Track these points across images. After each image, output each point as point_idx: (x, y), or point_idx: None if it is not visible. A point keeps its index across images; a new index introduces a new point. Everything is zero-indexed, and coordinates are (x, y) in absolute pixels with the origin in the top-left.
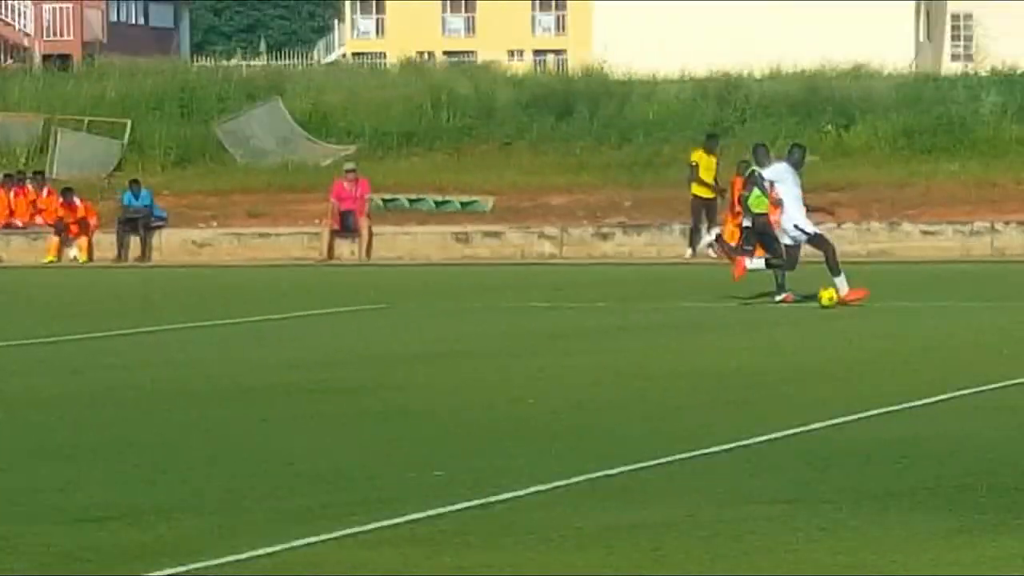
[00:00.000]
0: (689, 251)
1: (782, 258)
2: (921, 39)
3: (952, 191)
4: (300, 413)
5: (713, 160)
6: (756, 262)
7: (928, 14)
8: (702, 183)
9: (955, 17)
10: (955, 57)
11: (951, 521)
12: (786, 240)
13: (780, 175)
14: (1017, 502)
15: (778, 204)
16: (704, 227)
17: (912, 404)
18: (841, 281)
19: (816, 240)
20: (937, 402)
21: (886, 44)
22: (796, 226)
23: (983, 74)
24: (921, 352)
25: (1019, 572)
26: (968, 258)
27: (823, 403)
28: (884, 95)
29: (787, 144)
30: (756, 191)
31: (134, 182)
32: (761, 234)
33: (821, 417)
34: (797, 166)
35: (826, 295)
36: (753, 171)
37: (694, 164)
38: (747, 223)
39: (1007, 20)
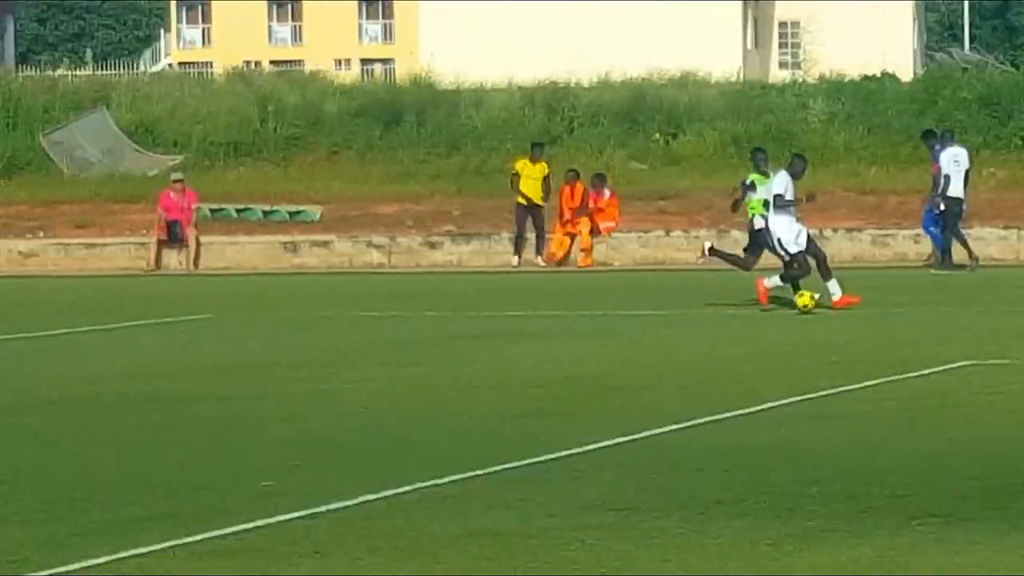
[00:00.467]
0: (516, 259)
1: (796, 267)
2: (749, 47)
3: None
4: (127, 424)
5: (539, 168)
6: (772, 280)
7: (756, 22)
8: (521, 192)
9: (782, 25)
10: (783, 65)
11: (779, 528)
12: (792, 248)
13: (787, 187)
14: (844, 509)
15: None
16: (532, 235)
17: (740, 412)
18: (834, 285)
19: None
20: (765, 410)
21: (714, 52)
22: (780, 241)
23: (811, 82)
24: (748, 360)
25: None
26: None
27: (652, 412)
28: (712, 103)
29: (615, 153)
30: (755, 197)
31: None
32: (763, 242)
33: (650, 426)
34: (796, 177)
35: (801, 300)
36: (750, 179)
37: (515, 172)
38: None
39: (834, 28)
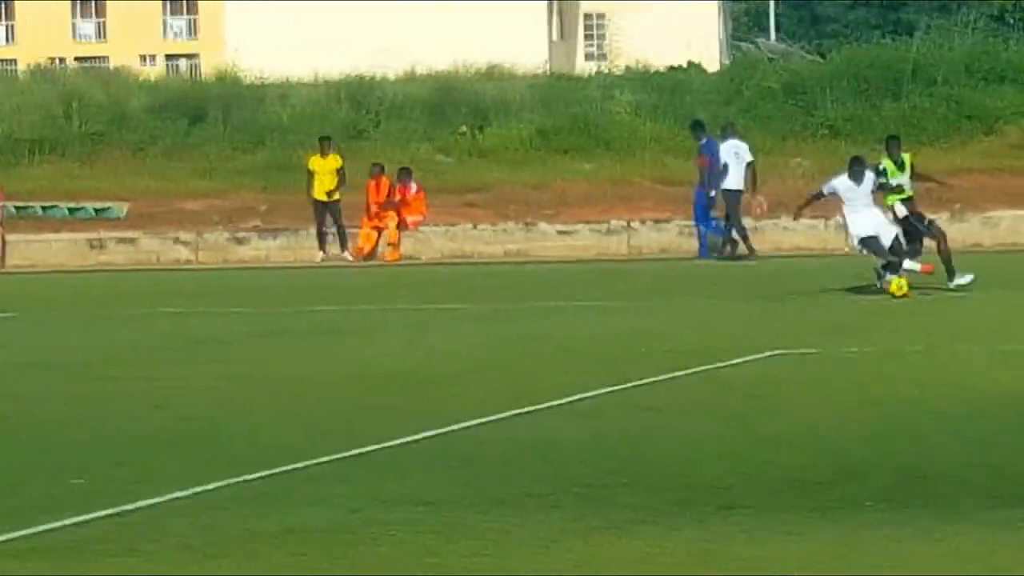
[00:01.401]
0: (320, 254)
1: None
2: (555, 39)
3: (587, 191)
4: None
5: (331, 162)
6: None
7: (561, 14)
8: (315, 188)
9: (588, 16)
10: (589, 56)
11: (591, 520)
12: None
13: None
14: (656, 500)
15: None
16: (334, 231)
17: (552, 404)
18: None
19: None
20: (576, 401)
21: (519, 44)
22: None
23: (617, 73)
24: (559, 352)
25: (658, 571)
26: (605, 257)
27: (463, 405)
28: (518, 96)
29: (421, 146)
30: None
31: None
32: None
33: (462, 419)
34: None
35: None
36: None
37: (309, 171)
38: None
39: (640, 19)
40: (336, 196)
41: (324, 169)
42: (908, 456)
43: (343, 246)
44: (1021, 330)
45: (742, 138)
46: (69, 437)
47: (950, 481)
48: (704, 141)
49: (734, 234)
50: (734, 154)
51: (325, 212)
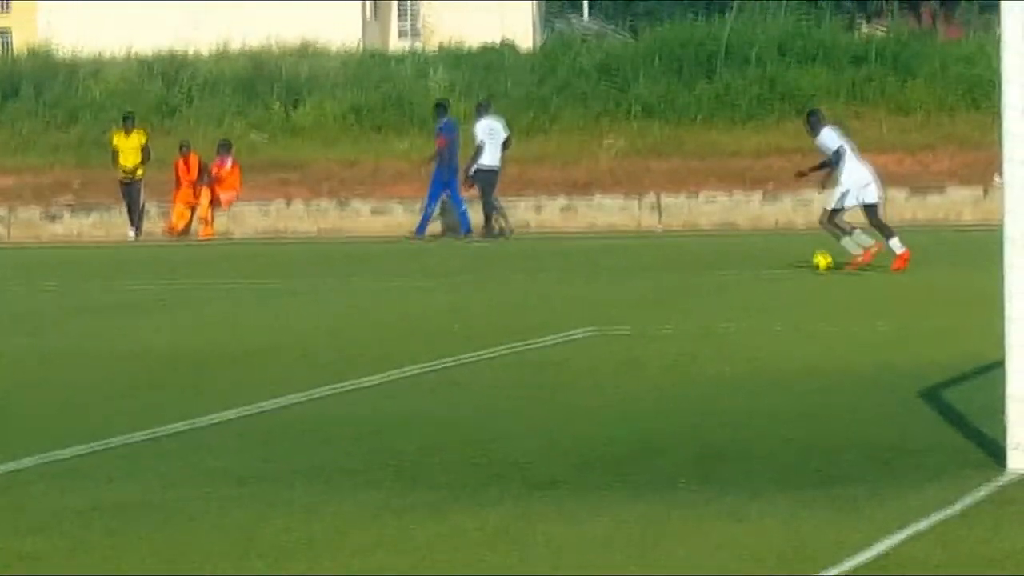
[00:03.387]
0: (132, 232)
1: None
2: (368, 17)
3: (402, 168)
4: None
5: (134, 138)
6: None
7: None
8: (120, 165)
9: None
10: (402, 34)
11: (404, 497)
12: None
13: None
14: (469, 478)
15: None
16: (140, 210)
17: (364, 382)
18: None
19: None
20: (389, 380)
21: (333, 22)
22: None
23: (431, 52)
24: (372, 330)
25: (470, 549)
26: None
27: (275, 382)
28: (332, 73)
29: (235, 123)
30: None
31: None
32: None
33: (272, 395)
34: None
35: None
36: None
37: (113, 148)
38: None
39: None
40: (139, 174)
41: (127, 146)
42: (716, 433)
43: (135, 224)
44: (825, 309)
45: (497, 116)
46: None
47: (756, 457)
48: (444, 121)
49: (493, 212)
50: (488, 132)
51: (129, 189)
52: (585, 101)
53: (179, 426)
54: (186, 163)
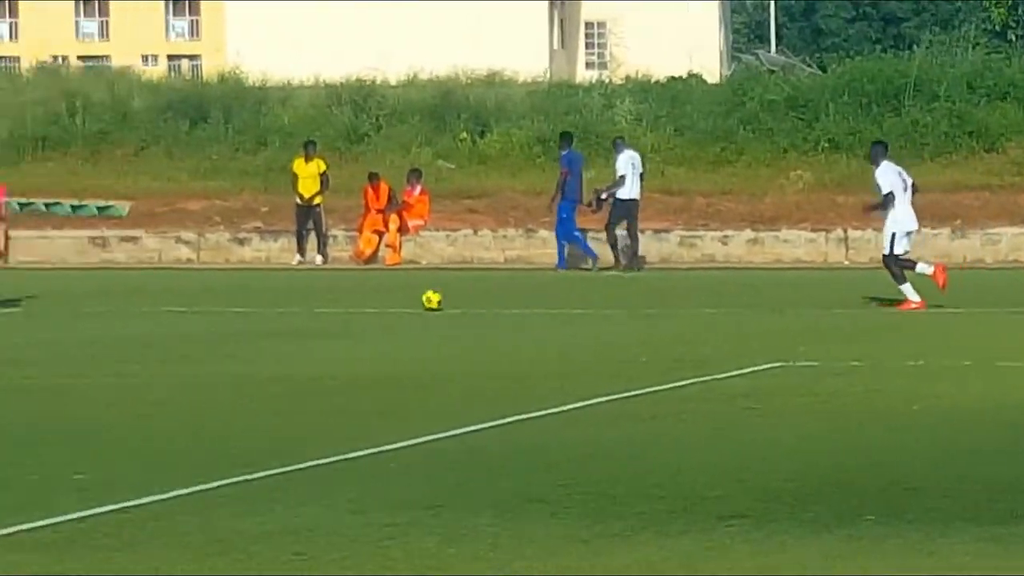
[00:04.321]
0: (297, 257)
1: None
2: (555, 47)
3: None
4: None
5: (313, 166)
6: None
7: (562, 22)
8: (298, 192)
9: (589, 25)
10: (589, 65)
11: (590, 528)
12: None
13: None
14: (654, 509)
15: None
16: (307, 233)
17: (552, 411)
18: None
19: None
20: (575, 409)
21: (520, 52)
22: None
23: (618, 82)
24: (557, 360)
25: None
26: (604, 264)
27: (463, 410)
28: (519, 102)
29: (422, 151)
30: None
31: None
32: None
33: (461, 424)
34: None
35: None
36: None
37: (294, 174)
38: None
39: (640, 29)
40: (318, 200)
41: (306, 173)
42: (903, 469)
43: (320, 250)
44: (1016, 347)
45: (635, 149)
46: (69, 432)
47: (944, 493)
48: (564, 153)
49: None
50: (631, 165)
51: (307, 216)
52: (772, 134)
53: (367, 452)
54: (375, 191)
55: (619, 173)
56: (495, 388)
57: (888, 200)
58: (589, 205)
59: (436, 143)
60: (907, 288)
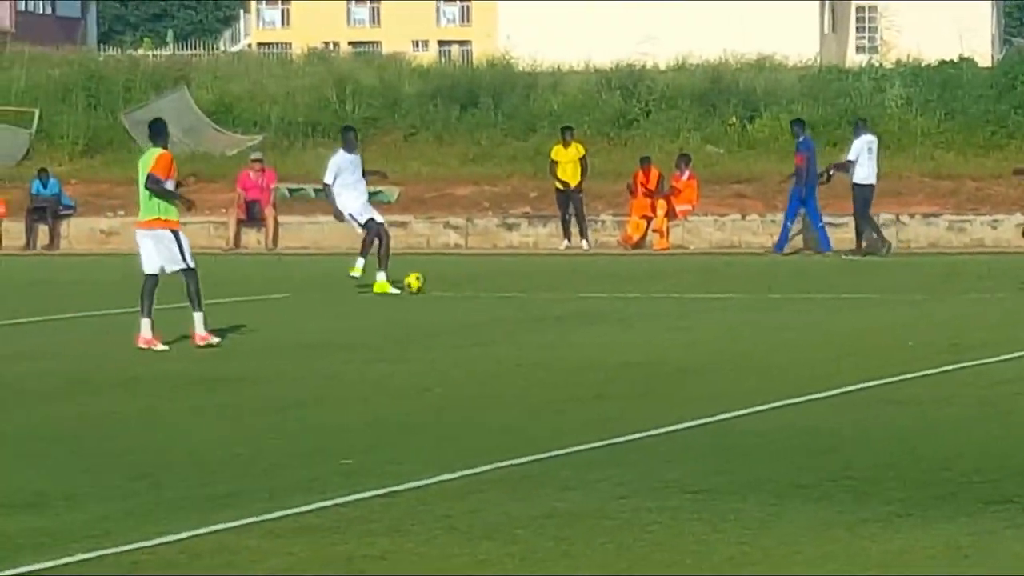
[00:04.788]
0: (564, 242)
1: None
2: (826, 31)
3: None
4: (198, 403)
5: (572, 151)
6: None
7: (833, 6)
8: (557, 177)
9: (860, 9)
10: (860, 49)
11: (855, 513)
12: None
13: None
14: (920, 495)
15: None
16: (570, 218)
17: (817, 395)
18: None
19: None
20: (842, 394)
21: (791, 36)
22: None
23: (888, 66)
24: (822, 345)
25: (922, 565)
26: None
27: (728, 394)
28: (789, 87)
29: (691, 136)
30: None
31: (42, 171)
32: None
33: (726, 408)
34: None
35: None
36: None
37: (552, 160)
38: None
39: (912, 12)
40: (575, 186)
41: (566, 159)
42: None
43: (583, 235)
44: None
45: (874, 132)
46: (336, 418)
47: None
48: (801, 139)
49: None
50: (867, 149)
51: (568, 201)
52: None
53: (632, 436)
54: (646, 175)
55: (850, 156)
56: (761, 373)
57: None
58: (820, 176)
59: (705, 128)
60: None
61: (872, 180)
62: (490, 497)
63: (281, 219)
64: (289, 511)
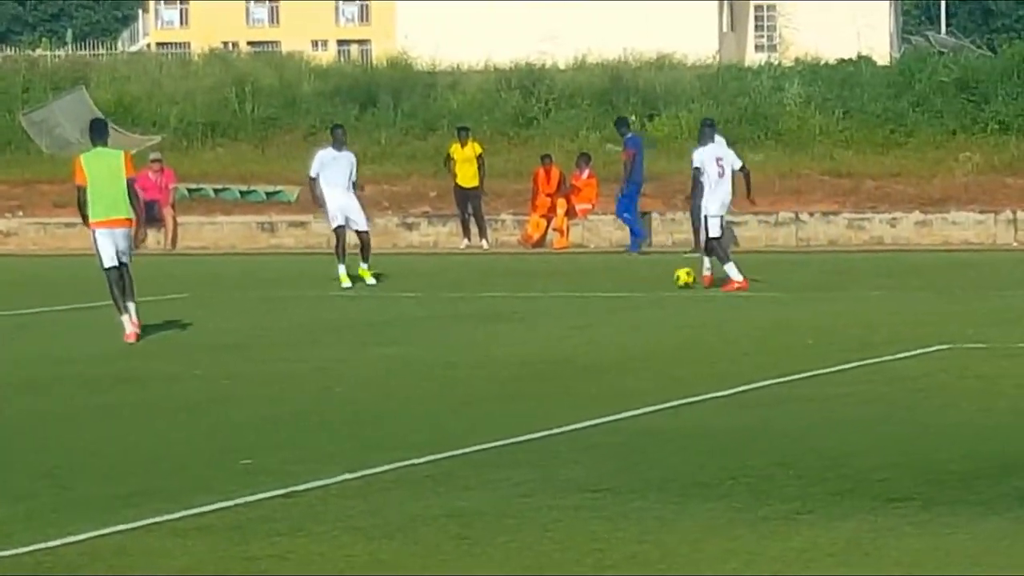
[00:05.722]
0: (464, 241)
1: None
2: (725, 29)
3: (756, 181)
4: (104, 402)
5: (469, 150)
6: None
7: (731, 4)
8: (455, 174)
9: (758, 8)
10: (759, 48)
11: (756, 510)
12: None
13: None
14: (821, 491)
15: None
16: (469, 217)
17: (718, 394)
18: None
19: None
20: (740, 392)
21: (690, 35)
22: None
23: (787, 64)
24: (722, 343)
25: (823, 563)
26: (773, 248)
27: (628, 393)
28: (688, 85)
29: (591, 135)
30: None
31: None
32: None
33: (627, 407)
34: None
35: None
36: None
37: (448, 156)
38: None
39: (810, 11)
40: (473, 184)
41: (463, 157)
42: None
43: (482, 234)
44: None
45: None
46: (237, 417)
47: None
48: (628, 136)
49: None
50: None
51: (464, 199)
52: (941, 117)
53: (534, 436)
54: (547, 174)
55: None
56: (659, 371)
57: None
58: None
59: (605, 127)
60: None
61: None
62: (392, 496)
63: (180, 219)
64: (191, 511)
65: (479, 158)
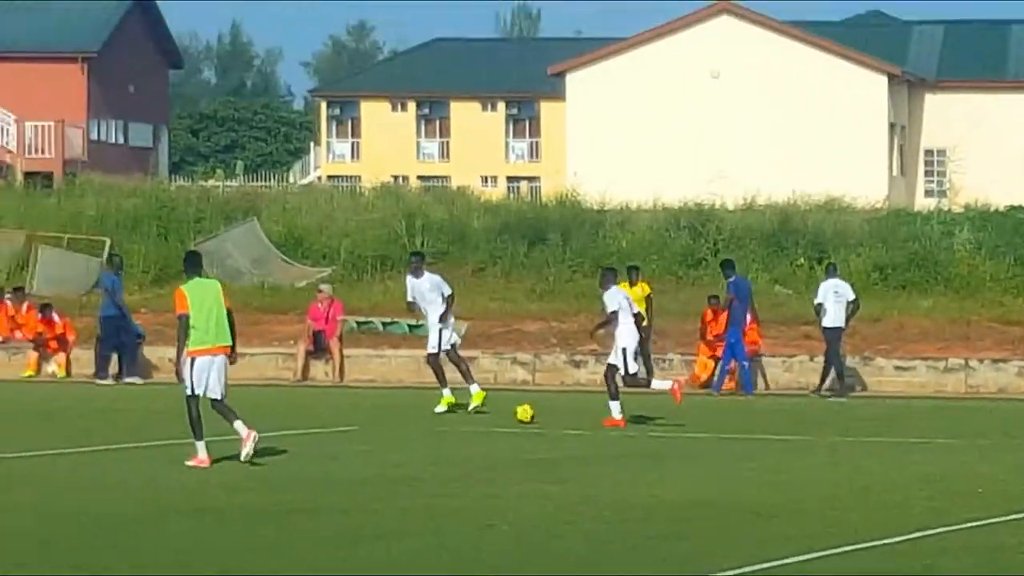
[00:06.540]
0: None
1: None
2: (895, 174)
3: (925, 327)
4: (269, 535)
5: (639, 290)
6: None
7: (901, 149)
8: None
9: (928, 153)
10: (928, 193)
11: None
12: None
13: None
14: None
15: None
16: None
17: (884, 542)
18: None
19: None
20: (909, 540)
21: (859, 178)
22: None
23: (957, 210)
24: (889, 489)
25: None
26: (942, 395)
27: (794, 538)
28: (857, 229)
29: (759, 276)
30: None
31: None
32: None
33: (792, 553)
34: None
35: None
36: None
37: None
38: None
39: (980, 157)
40: (644, 323)
41: (633, 297)
42: None
43: (649, 373)
44: None
45: (843, 278)
46: (404, 549)
47: None
48: (732, 279)
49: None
50: (833, 292)
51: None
52: None
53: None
54: (715, 314)
55: (818, 300)
56: (827, 517)
57: (614, 318)
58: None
59: (773, 268)
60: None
61: (837, 323)
62: None
63: (348, 351)
64: None
65: (647, 298)
